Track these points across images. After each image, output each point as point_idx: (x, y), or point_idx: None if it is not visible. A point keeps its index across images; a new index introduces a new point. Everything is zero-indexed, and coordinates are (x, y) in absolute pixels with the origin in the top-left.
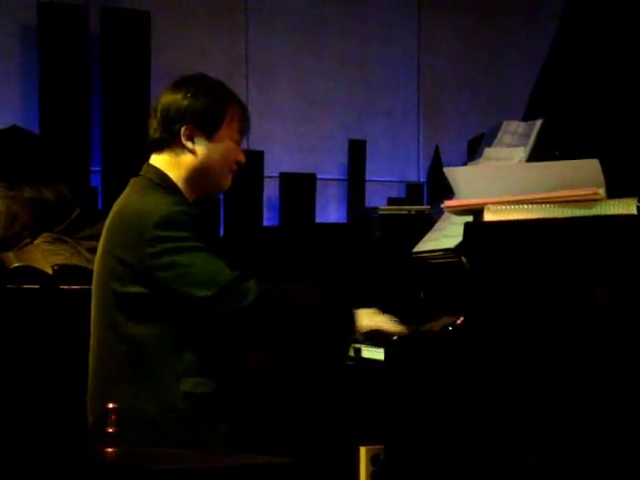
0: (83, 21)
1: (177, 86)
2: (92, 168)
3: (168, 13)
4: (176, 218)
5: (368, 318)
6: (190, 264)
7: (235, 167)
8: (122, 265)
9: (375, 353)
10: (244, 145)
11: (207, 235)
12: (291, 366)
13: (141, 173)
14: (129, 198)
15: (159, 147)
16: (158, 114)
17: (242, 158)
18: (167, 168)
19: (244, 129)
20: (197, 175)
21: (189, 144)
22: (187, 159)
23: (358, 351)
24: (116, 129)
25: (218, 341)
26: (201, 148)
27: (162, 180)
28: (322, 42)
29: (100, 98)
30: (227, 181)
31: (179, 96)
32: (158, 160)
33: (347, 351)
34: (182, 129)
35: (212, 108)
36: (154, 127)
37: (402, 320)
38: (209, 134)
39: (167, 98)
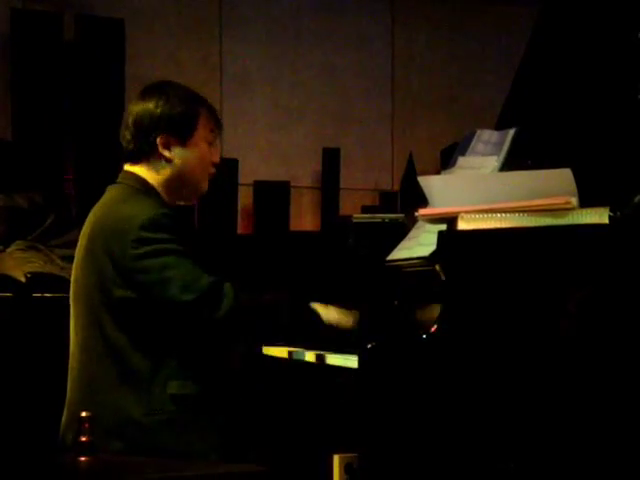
0: (57, 29)
1: (147, 95)
2: (66, 176)
3: (142, 22)
4: (161, 220)
5: (324, 310)
6: (175, 266)
7: (212, 170)
8: (109, 270)
9: (339, 360)
10: None
11: (189, 241)
12: (260, 370)
13: (119, 180)
14: (111, 205)
15: (135, 158)
16: (131, 125)
17: (217, 158)
18: (145, 176)
19: (216, 129)
20: (177, 182)
21: (166, 153)
22: (165, 168)
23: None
24: (90, 137)
25: (201, 343)
26: (178, 155)
27: (142, 186)
28: (296, 51)
29: (74, 106)
30: (204, 186)
31: (151, 105)
32: (135, 168)
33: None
34: (158, 139)
35: (185, 114)
36: (127, 138)
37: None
38: (184, 140)
39: (138, 108)
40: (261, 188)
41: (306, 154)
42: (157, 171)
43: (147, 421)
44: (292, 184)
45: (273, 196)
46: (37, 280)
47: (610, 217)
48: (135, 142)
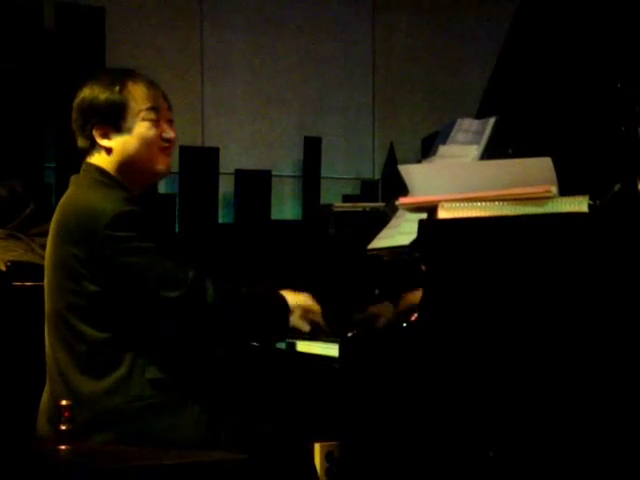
0: (37, 16)
1: (79, 92)
2: (46, 164)
3: (123, 9)
4: (125, 218)
5: (293, 297)
6: (149, 265)
7: (165, 144)
8: (76, 263)
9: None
10: (200, 141)
11: (160, 234)
12: (243, 359)
13: (81, 172)
14: (74, 194)
15: (87, 152)
16: (72, 123)
17: (169, 134)
18: (103, 165)
19: (157, 104)
20: (126, 169)
21: (105, 142)
22: (110, 158)
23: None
24: (70, 125)
25: (173, 331)
26: (117, 143)
27: (103, 176)
28: (277, 40)
29: (54, 94)
30: (161, 163)
31: (80, 98)
32: (92, 159)
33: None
34: (94, 131)
35: (110, 100)
36: (76, 135)
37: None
38: (118, 126)
39: (74, 106)
40: (242, 177)
41: (287, 143)
42: (105, 161)
43: (128, 408)
44: (273, 173)
45: (254, 185)
46: (17, 269)
47: (589, 206)
48: (79, 138)
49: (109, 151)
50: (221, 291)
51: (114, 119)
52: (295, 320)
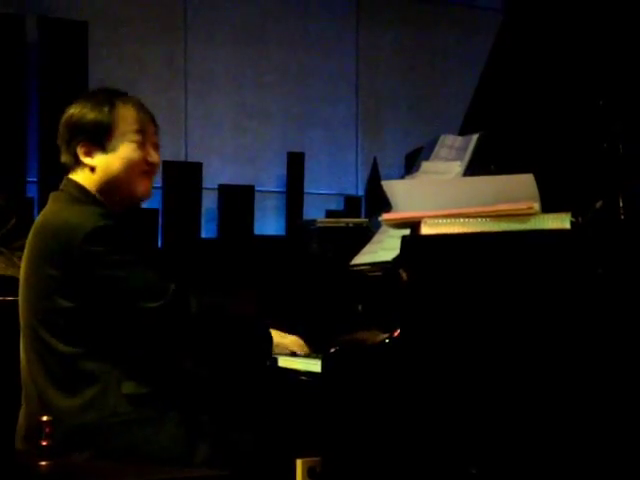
0: (19, 30)
1: (68, 108)
2: (28, 179)
3: (106, 24)
4: (103, 232)
5: (278, 336)
6: (126, 277)
7: (147, 168)
8: (51, 282)
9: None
10: (183, 156)
11: (139, 247)
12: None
13: (61, 187)
14: (50, 211)
15: (69, 168)
16: (58, 137)
17: (153, 158)
18: (83, 183)
19: (144, 128)
20: (107, 189)
21: (88, 160)
22: (92, 176)
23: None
24: (53, 139)
25: (153, 344)
26: (100, 162)
27: (82, 194)
28: (261, 54)
29: (37, 108)
30: (142, 186)
31: (68, 115)
32: (73, 176)
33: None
34: (77, 147)
35: (98, 120)
36: (60, 151)
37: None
38: (103, 146)
39: (62, 119)
40: (225, 192)
41: (270, 158)
42: (87, 179)
43: (103, 424)
44: (256, 188)
45: (237, 200)
46: None
47: (572, 222)
48: (63, 154)
49: (92, 169)
50: (204, 304)
51: (99, 138)
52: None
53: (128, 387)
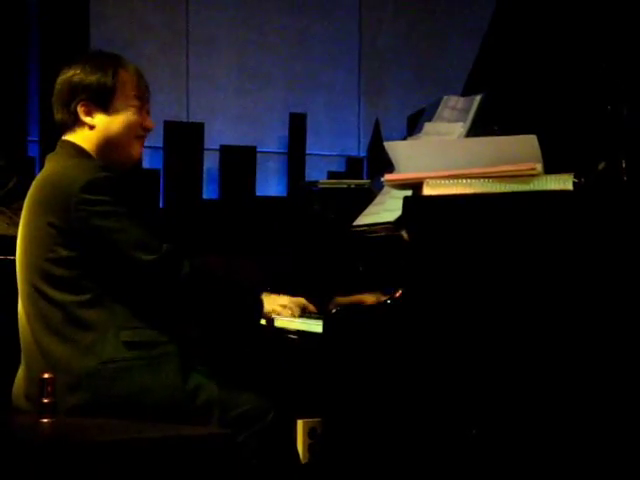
0: None
1: (69, 66)
2: (29, 138)
3: None
4: (101, 183)
5: (270, 302)
6: (124, 229)
7: (142, 133)
8: (51, 230)
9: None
10: (184, 117)
11: (138, 204)
12: (219, 336)
13: (57, 149)
14: (48, 169)
15: (66, 128)
16: (55, 96)
17: (149, 124)
18: (80, 143)
19: (142, 94)
20: (104, 148)
21: (88, 119)
22: (91, 134)
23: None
24: None
25: (152, 293)
26: (100, 122)
27: (79, 152)
28: (263, 15)
29: (38, 67)
30: (135, 150)
31: (69, 74)
32: (69, 137)
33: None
34: (78, 107)
35: (102, 80)
36: (55, 109)
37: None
38: (105, 107)
39: (60, 79)
40: (227, 153)
41: (272, 119)
42: (85, 138)
43: (102, 369)
44: (258, 149)
45: (239, 161)
46: (0, 243)
47: (574, 183)
48: (61, 112)
49: (91, 128)
50: (196, 268)
51: (102, 99)
52: (271, 308)
53: (127, 334)
